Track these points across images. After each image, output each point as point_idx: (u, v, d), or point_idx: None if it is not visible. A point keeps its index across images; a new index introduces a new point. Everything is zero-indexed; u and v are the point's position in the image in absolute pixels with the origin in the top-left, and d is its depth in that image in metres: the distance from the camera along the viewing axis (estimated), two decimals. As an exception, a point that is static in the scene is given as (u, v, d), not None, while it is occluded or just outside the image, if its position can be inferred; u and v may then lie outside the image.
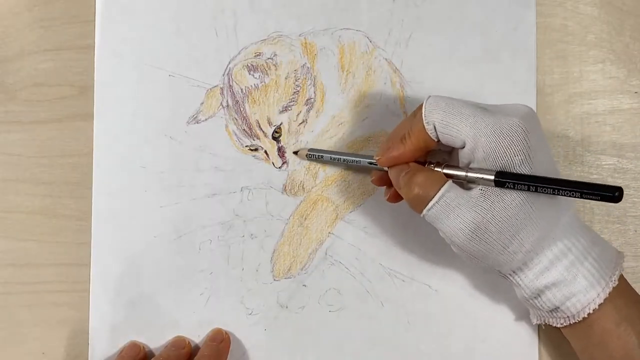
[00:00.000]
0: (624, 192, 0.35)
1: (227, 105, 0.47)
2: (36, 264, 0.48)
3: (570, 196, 0.34)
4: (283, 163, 0.47)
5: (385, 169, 0.41)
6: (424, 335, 0.46)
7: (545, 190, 0.35)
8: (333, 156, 0.45)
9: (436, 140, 0.38)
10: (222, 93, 0.47)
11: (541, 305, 0.38)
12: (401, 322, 0.46)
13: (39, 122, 0.49)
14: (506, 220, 0.36)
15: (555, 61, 0.47)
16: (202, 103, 0.48)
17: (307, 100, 0.47)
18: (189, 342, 0.46)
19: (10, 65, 0.49)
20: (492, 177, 0.36)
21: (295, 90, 0.47)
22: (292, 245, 0.47)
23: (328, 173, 0.47)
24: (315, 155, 0.46)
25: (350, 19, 0.47)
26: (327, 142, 0.47)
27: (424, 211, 0.37)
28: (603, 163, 0.46)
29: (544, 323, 0.39)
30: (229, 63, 0.47)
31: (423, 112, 0.37)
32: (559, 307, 0.37)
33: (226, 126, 0.47)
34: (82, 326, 0.47)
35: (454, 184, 0.37)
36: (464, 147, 0.37)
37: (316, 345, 0.47)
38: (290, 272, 0.47)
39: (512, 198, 0.36)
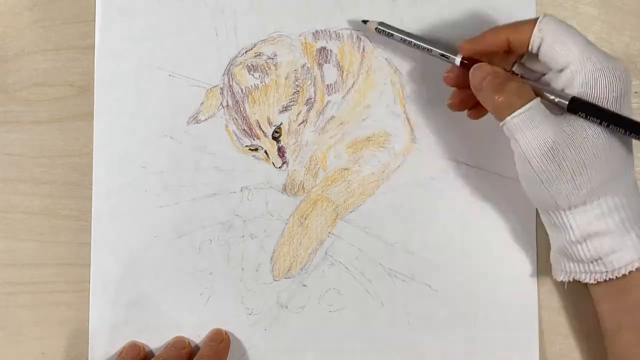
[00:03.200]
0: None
1: (227, 105, 0.47)
2: (36, 264, 0.48)
3: (638, 138, 0.36)
4: (283, 163, 0.47)
5: (457, 63, 0.41)
6: (424, 335, 0.46)
7: (615, 127, 0.35)
8: (404, 37, 0.44)
9: (532, 51, 0.38)
10: (222, 93, 0.47)
11: (583, 254, 0.37)
12: (401, 322, 0.46)
13: (39, 122, 0.49)
14: (583, 151, 0.36)
15: (555, 61, 0.47)
16: (202, 103, 0.48)
17: (307, 100, 0.47)
18: (189, 343, 0.46)
19: (10, 65, 0.49)
20: (566, 102, 0.36)
21: (295, 90, 0.47)
22: (292, 245, 0.47)
23: (328, 173, 0.47)
24: (385, 31, 0.44)
25: (350, 19, 0.47)
26: (327, 142, 0.47)
27: (508, 118, 0.37)
28: (603, 163, 0.46)
29: (570, 279, 0.39)
30: (229, 63, 0.47)
31: (540, 19, 0.38)
32: (601, 258, 0.37)
33: (226, 126, 0.47)
34: (82, 326, 0.47)
35: (541, 104, 0.37)
36: (562, 70, 0.37)
37: (316, 345, 0.47)
38: (290, 272, 0.47)
39: (596, 133, 0.36)
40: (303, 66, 0.47)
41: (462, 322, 0.46)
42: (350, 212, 0.47)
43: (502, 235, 0.46)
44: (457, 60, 0.41)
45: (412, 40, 0.43)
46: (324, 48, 0.47)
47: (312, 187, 0.47)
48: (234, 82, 0.47)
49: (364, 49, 0.47)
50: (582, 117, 0.36)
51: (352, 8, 0.47)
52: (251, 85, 0.47)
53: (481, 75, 0.39)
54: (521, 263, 0.46)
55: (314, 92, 0.47)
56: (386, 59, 0.47)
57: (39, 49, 0.49)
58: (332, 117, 0.47)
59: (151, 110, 0.48)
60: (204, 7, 0.48)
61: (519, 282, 0.46)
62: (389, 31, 0.44)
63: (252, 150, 0.47)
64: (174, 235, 0.47)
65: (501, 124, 0.38)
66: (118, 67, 0.48)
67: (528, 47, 0.38)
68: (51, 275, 0.48)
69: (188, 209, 0.47)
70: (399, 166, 0.47)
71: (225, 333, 0.47)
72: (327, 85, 0.47)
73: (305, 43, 0.47)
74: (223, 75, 0.47)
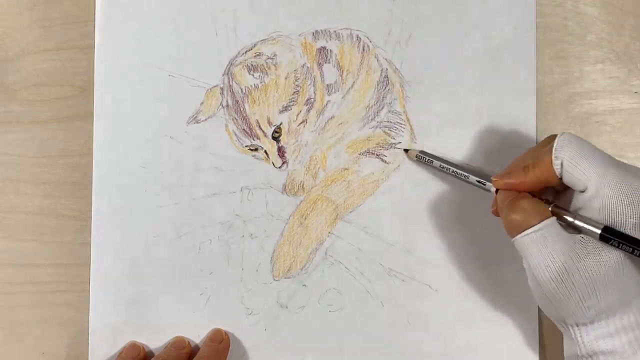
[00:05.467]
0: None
1: (227, 105, 0.47)
2: (36, 264, 0.48)
3: None
4: (283, 163, 0.47)
5: (493, 190, 0.41)
6: (424, 335, 0.46)
7: None
8: (443, 164, 0.44)
9: (559, 177, 0.37)
10: (222, 93, 0.47)
11: None
12: (401, 322, 0.46)
13: (39, 122, 0.49)
14: (595, 275, 0.35)
15: (555, 61, 0.47)
16: (202, 103, 0.48)
17: (307, 100, 0.47)
18: (188, 343, 0.46)
19: (10, 65, 0.49)
20: (599, 231, 0.35)
21: (295, 90, 0.47)
22: (292, 245, 0.47)
23: (328, 173, 0.47)
24: (425, 159, 0.45)
25: (350, 19, 0.47)
26: (327, 142, 0.47)
27: (519, 236, 0.37)
28: (603, 163, 0.46)
29: None
30: (229, 63, 0.47)
31: (554, 146, 0.37)
32: None
33: (226, 126, 0.47)
34: (82, 326, 0.47)
35: (557, 223, 0.37)
36: (583, 191, 0.36)
37: (316, 345, 0.47)
38: (290, 272, 0.47)
39: (610, 257, 0.35)
40: (303, 66, 0.47)
41: (462, 322, 0.46)
42: (350, 212, 0.47)
43: (502, 234, 0.46)
44: (493, 188, 0.41)
45: (451, 167, 0.44)
46: (323, 48, 0.47)
47: (312, 187, 0.47)
48: (234, 82, 0.47)
49: (363, 49, 0.47)
50: (613, 245, 0.35)
51: (352, 8, 0.47)
52: (251, 85, 0.47)
53: (502, 197, 0.39)
54: (521, 261, 0.46)
55: (314, 92, 0.47)
56: (386, 59, 0.47)
57: (39, 49, 0.49)
58: (332, 117, 0.47)
59: (151, 110, 0.48)
60: (203, 7, 0.48)
61: (519, 282, 0.45)
62: (429, 158, 0.45)
63: (252, 150, 0.47)
64: (174, 235, 0.47)
65: (512, 240, 0.37)
66: (118, 67, 0.48)
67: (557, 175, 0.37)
68: (51, 275, 0.48)
69: (188, 209, 0.47)
70: (399, 166, 0.47)
71: (225, 333, 0.47)
72: (327, 85, 0.47)
73: (305, 43, 0.47)
74: (223, 75, 0.47)
